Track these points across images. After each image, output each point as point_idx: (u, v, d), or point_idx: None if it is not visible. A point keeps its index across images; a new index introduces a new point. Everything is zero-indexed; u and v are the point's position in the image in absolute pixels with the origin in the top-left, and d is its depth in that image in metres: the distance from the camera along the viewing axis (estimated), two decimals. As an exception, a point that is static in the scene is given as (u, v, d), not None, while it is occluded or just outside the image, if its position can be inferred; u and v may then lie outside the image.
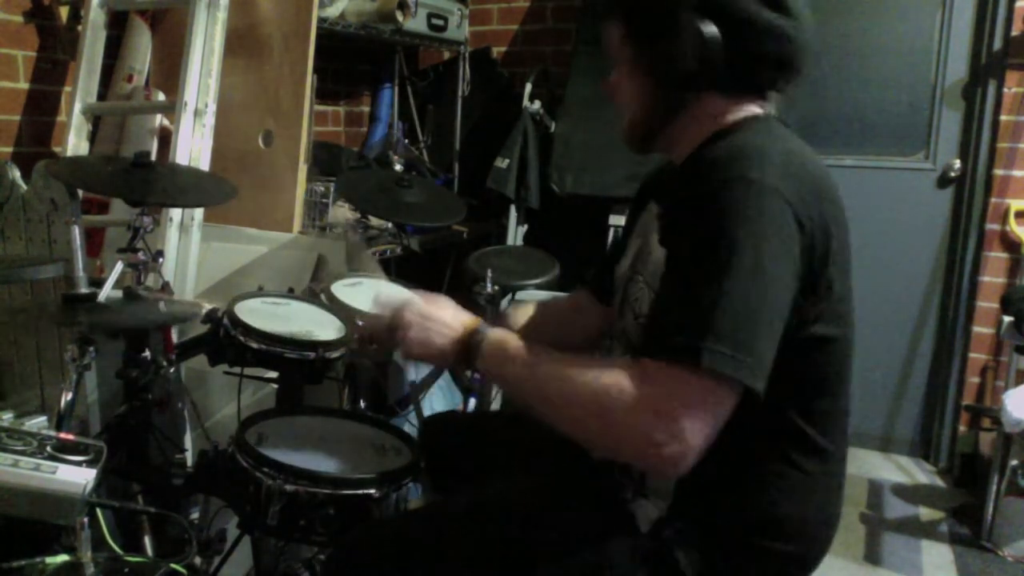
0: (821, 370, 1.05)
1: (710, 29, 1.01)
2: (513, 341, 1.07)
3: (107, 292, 1.61)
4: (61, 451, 1.14)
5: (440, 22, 3.35)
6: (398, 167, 3.31)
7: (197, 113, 2.29)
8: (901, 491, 2.89)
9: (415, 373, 2.41)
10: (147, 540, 1.65)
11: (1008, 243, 2.88)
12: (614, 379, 0.92)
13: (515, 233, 3.28)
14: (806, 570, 1.12)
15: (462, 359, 1.10)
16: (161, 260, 1.70)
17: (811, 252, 0.97)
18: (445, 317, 1.13)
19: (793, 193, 0.95)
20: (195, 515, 1.69)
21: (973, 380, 2.97)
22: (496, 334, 1.08)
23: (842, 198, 1.05)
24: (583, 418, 0.95)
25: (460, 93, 3.62)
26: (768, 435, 1.05)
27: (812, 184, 1.00)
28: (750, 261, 0.90)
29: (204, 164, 2.30)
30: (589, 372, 0.95)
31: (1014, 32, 2.78)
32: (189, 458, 1.79)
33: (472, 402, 2.16)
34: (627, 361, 0.95)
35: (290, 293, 1.88)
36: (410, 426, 2.12)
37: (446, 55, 3.76)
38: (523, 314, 1.46)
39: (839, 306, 1.02)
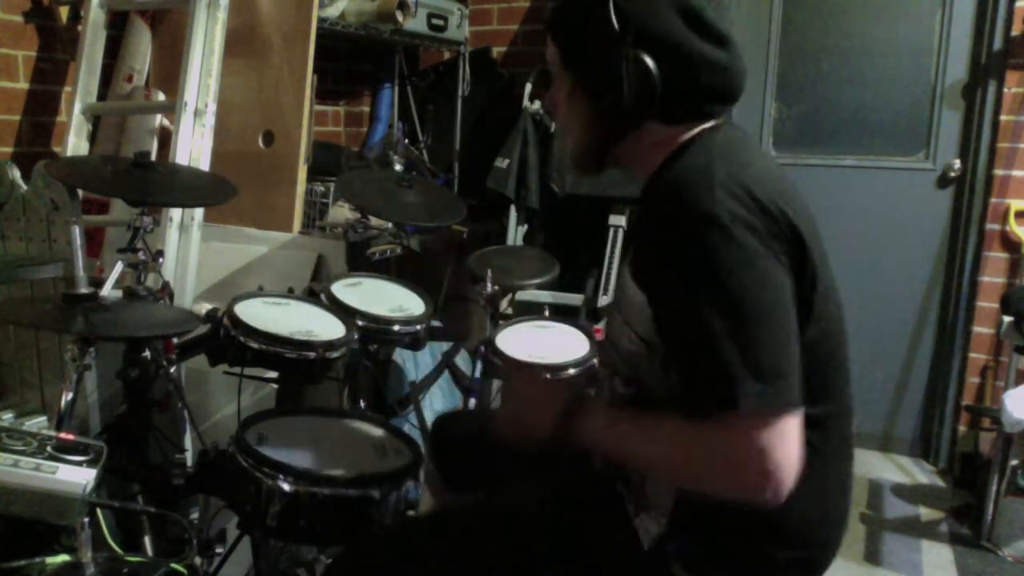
0: (815, 371, 1.03)
1: (648, 62, 1.01)
2: (605, 407, 1.12)
3: (107, 292, 1.61)
4: (61, 451, 1.14)
5: (440, 22, 3.35)
6: (398, 167, 3.31)
7: (197, 113, 2.29)
8: (901, 491, 2.89)
9: (415, 372, 2.41)
10: (147, 540, 1.65)
11: (1008, 243, 2.87)
12: (702, 445, 0.95)
13: (515, 233, 3.27)
14: (813, 575, 1.12)
15: (564, 421, 1.09)
16: (161, 260, 1.71)
17: (790, 255, 0.97)
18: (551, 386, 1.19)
19: (749, 206, 0.95)
20: (195, 515, 1.69)
21: (973, 380, 2.97)
22: (592, 403, 1.12)
23: (803, 194, 1.06)
24: (692, 477, 0.98)
25: (460, 93, 3.62)
26: None
27: (768, 189, 0.99)
28: (748, 294, 0.91)
29: (204, 164, 2.30)
30: (682, 439, 0.97)
31: (1014, 32, 2.78)
32: (189, 458, 1.79)
33: (472, 402, 2.16)
34: (694, 424, 0.96)
35: (290, 293, 1.88)
36: (410, 426, 2.12)
37: (446, 55, 3.75)
38: None
39: (823, 302, 1.02)
